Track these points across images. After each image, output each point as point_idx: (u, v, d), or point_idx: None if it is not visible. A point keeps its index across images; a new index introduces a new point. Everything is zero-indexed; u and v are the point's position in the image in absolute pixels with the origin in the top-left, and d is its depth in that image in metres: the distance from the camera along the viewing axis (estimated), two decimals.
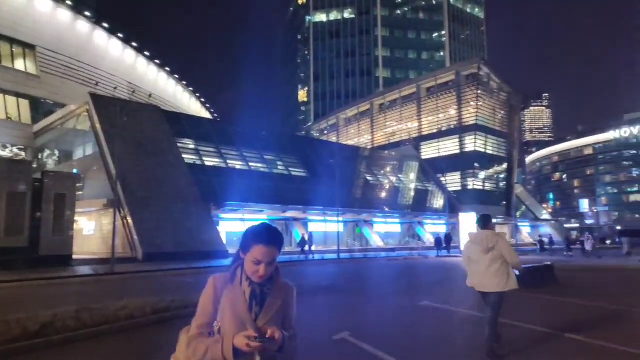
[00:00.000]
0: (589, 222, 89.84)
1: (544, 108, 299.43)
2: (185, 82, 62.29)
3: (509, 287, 5.66)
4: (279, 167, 38.68)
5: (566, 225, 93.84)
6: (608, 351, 6.06)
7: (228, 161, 34.54)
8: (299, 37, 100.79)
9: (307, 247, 30.75)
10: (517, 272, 6.45)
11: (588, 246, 30.79)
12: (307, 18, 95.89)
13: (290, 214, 35.43)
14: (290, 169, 39.05)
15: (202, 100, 68.11)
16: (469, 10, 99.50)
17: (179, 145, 31.30)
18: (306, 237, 31.45)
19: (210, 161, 33.46)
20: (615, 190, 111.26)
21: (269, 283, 1.93)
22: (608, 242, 57.97)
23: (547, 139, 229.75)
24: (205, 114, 66.64)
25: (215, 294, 1.89)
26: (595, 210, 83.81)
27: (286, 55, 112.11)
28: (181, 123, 33.90)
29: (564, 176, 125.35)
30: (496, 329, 5.83)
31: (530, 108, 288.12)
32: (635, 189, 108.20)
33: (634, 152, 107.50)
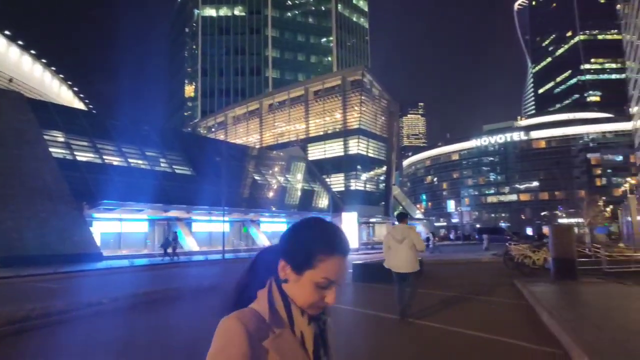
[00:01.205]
0: (454, 220, 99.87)
1: (419, 116, 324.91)
2: (54, 68, 56.47)
3: (418, 268, 7.75)
4: (162, 165, 36.95)
5: (436, 224, 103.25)
6: (443, 331, 6.98)
7: (104, 157, 32.12)
8: (187, 30, 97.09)
9: (170, 249, 27.24)
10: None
11: (430, 244, 34.48)
12: (196, 11, 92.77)
13: (173, 213, 34.09)
14: (174, 166, 37.52)
15: (75, 89, 62.31)
16: (354, 19, 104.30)
17: (46, 137, 28.31)
18: (170, 237, 28.41)
19: (84, 156, 30.80)
20: (476, 192, 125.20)
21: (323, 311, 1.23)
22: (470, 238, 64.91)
23: (422, 145, 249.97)
24: (79, 104, 61.08)
25: (252, 354, 1.05)
26: (459, 210, 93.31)
27: (173, 48, 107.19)
28: (49, 113, 30.68)
29: (435, 179, 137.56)
30: (415, 298, 7.97)
31: (408, 115, 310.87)
32: (492, 191, 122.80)
33: (491, 159, 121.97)
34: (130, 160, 33.75)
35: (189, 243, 34.62)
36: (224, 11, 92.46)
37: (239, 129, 70.56)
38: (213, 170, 35.43)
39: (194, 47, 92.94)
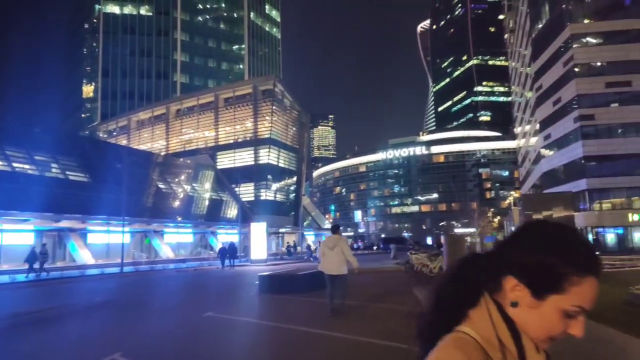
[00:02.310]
0: (361, 230, 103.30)
1: (329, 128, 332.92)
2: None
3: (345, 272, 9.22)
4: (54, 170, 33.78)
5: (344, 234, 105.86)
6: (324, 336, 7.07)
7: None
8: (86, 25, 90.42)
9: (38, 264, 23.55)
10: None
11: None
12: (97, 7, 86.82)
13: (65, 223, 31.17)
14: (67, 172, 34.46)
15: None
16: (267, 29, 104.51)
17: None
18: (38, 250, 24.27)
19: None
20: (382, 204, 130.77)
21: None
22: (374, 247, 67.38)
23: (331, 156, 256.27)
24: None
25: None
26: (366, 220, 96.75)
27: (70, 44, 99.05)
28: None
29: (344, 190, 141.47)
30: (346, 296, 9.67)
31: (318, 127, 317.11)
32: (396, 202, 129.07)
33: (396, 171, 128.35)
34: (15, 165, 30.41)
35: (82, 256, 31.85)
36: (128, 9, 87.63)
37: (144, 134, 66.96)
38: (113, 177, 33.09)
39: (94, 44, 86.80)
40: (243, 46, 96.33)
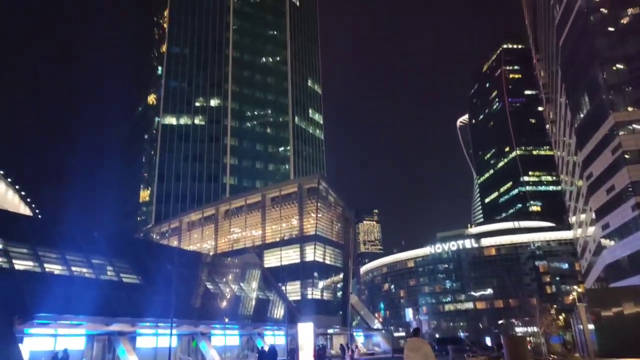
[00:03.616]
0: None
1: (374, 222, 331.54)
2: (2, 172, 54.82)
3: None
4: (109, 273, 34.88)
5: (396, 334, 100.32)
6: None
7: (45, 265, 30.06)
8: (146, 136, 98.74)
9: None
10: None
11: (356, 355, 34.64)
12: (157, 119, 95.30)
13: (115, 327, 31.37)
14: (121, 274, 35.46)
15: (22, 193, 60.14)
16: (310, 131, 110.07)
17: None
18: (60, 355, 23.56)
19: (22, 264, 28.72)
20: (433, 300, 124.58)
21: None
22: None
23: (378, 251, 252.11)
24: (24, 209, 58.59)
25: None
26: (418, 319, 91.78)
27: (130, 154, 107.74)
28: None
29: (392, 287, 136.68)
30: None
31: (364, 222, 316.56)
32: (449, 299, 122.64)
33: (446, 266, 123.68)
34: (73, 268, 31.73)
35: None
36: (184, 120, 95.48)
37: (194, 235, 69.10)
38: (163, 278, 33.75)
39: (152, 152, 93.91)
40: (288, 148, 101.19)
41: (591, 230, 58.68)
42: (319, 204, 58.83)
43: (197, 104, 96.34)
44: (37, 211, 61.67)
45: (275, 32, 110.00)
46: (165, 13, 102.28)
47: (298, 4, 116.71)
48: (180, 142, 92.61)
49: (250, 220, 63.36)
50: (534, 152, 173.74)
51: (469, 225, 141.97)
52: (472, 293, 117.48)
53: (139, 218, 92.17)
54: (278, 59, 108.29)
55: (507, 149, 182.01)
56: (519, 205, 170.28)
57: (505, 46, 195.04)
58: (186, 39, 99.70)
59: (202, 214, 69.60)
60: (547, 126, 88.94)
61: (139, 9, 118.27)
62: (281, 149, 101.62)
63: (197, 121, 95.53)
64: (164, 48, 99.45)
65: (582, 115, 55.46)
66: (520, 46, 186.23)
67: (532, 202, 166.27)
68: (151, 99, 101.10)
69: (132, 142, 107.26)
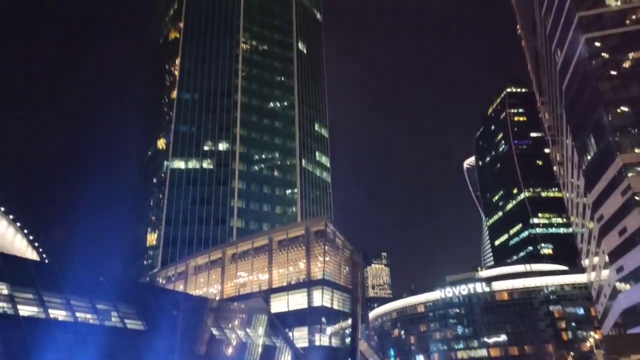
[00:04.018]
0: None
1: (383, 266, 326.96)
2: (12, 217, 55.23)
3: None
4: (113, 319, 34.33)
5: None
6: None
7: (50, 310, 29.72)
8: (155, 180, 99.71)
9: None
10: None
11: None
12: (165, 163, 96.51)
13: None
14: (126, 320, 34.88)
15: (30, 237, 60.31)
16: (317, 174, 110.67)
17: None
18: None
19: (27, 310, 28.45)
20: (445, 347, 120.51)
21: None
22: None
23: (387, 296, 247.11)
24: (31, 253, 58.61)
25: None
26: None
27: (138, 197, 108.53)
28: None
29: (402, 332, 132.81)
30: None
31: (372, 265, 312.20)
32: (461, 345, 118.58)
33: (457, 310, 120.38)
34: (78, 314, 31.30)
35: None
36: (193, 163, 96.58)
37: (200, 279, 68.27)
38: (168, 324, 33.20)
39: (160, 196, 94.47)
40: (295, 190, 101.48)
41: (605, 273, 57.33)
42: (326, 247, 58.23)
43: (206, 148, 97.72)
44: (44, 255, 61.62)
45: (282, 78, 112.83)
46: (177, 61, 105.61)
47: (305, 51, 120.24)
48: (188, 186, 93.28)
49: (257, 264, 62.67)
50: (543, 194, 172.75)
51: (479, 268, 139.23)
52: (486, 339, 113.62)
53: (145, 262, 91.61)
54: (285, 103, 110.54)
55: (515, 191, 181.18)
56: (530, 248, 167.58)
57: (509, 90, 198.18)
58: (196, 85, 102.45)
59: (208, 257, 69.02)
60: (555, 168, 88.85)
61: (151, 58, 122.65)
62: (288, 191, 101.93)
63: (205, 165, 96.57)
64: (174, 94, 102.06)
65: (589, 157, 55.46)
66: (524, 90, 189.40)
67: (543, 244, 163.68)
68: (161, 143, 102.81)
69: (141, 186, 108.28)
